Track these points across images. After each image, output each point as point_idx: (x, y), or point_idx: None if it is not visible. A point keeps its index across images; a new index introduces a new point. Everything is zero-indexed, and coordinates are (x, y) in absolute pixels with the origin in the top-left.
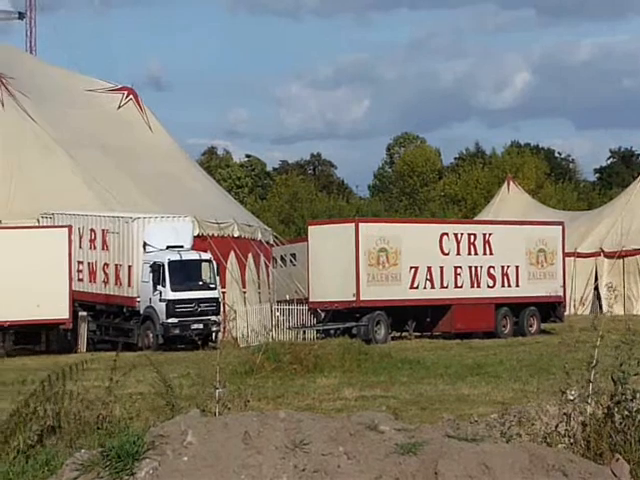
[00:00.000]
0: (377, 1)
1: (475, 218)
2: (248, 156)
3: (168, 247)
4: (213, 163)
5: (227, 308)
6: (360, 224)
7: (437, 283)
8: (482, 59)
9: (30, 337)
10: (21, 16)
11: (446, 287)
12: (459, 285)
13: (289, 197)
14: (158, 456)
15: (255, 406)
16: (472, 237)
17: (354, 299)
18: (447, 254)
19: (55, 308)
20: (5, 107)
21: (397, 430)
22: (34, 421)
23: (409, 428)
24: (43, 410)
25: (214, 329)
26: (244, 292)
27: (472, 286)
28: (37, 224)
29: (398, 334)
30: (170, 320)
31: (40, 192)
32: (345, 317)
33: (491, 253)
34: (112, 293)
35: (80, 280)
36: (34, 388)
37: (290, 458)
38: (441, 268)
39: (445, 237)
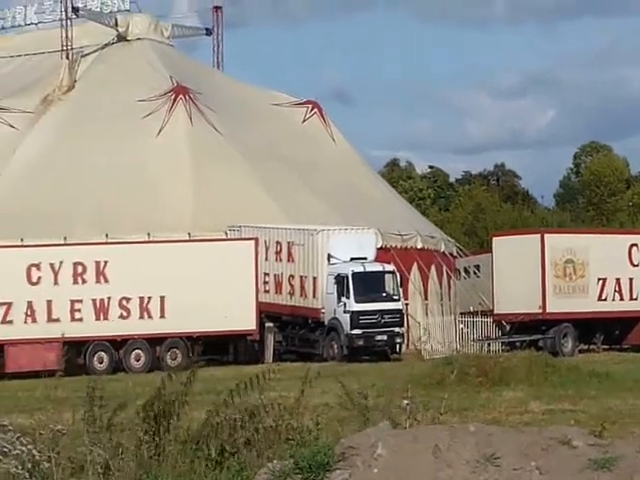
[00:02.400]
0: (562, 9)
1: None
2: (431, 167)
3: (352, 259)
4: (395, 175)
5: (410, 320)
6: (546, 235)
7: (626, 295)
8: None
9: (218, 348)
10: (208, 32)
11: (635, 299)
12: None
13: (472, 208)
14: (349, 467)
15: (442, 419)
16: None
17: (540, 311)
18: (636, 265)
19: (242, 319)
20: (193, 122)
21: (590, 445)
22: (225, 431)
23: (602, 443)
24: (233, 420)
25: (398, 341)
26: (427, 304)
27: None
28: (224, 237)
29: (585, 347)
30: (354, 331)
31: (227, 205)
32: (531, 329)
33: None
34: (297, 304)
35: (266, 292)
36: (224, 398)
37: (481, 472)
38: (630, 280)
39: (634, 248)
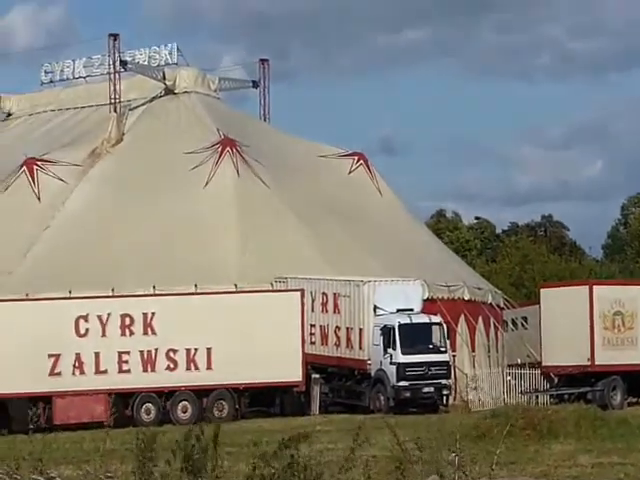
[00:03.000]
0: (610, 61)
1: None
2: (477, 218)
3: (398, 310)
4: (442, 225)
5: (457, 371)
6: (594, 287)
7: None
8: None
9: (264, 399)
10: (255, 85)
11: None
12: None
13: (519, 259)
14: None
15: (488, 472)
16: None
17: (589, 363)
18: None
19: (289, 370)
20: (240, 174)
21: None
22: None
23: None
24: (280, 473)
25: (445, 392)
26: (474, 355)
27: None
28: (271, 288)
29: (634, 399)
30: (401, 383)
31: (273, 256)
32: (579, 382)
33: None
34: (344, 356)
35: (312, 343)
36: (270, 450)
37: None
38: None
39: None
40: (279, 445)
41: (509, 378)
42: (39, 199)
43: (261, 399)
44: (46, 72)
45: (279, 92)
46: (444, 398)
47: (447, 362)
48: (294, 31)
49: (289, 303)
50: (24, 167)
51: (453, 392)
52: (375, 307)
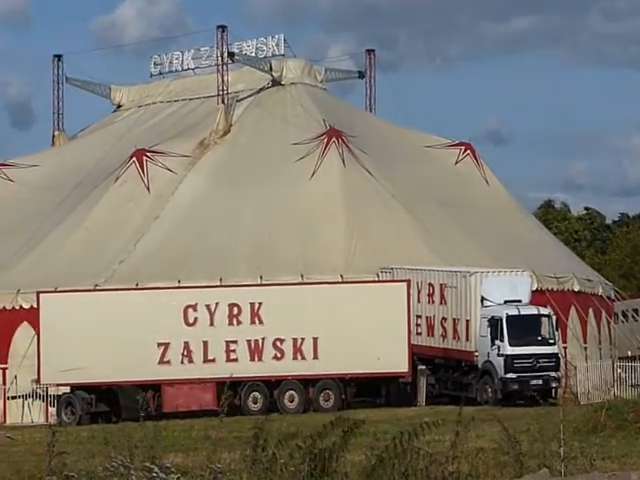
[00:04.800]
0: None
1: None
2: (587, 209)
3: (506, 301)
4: (550, 216)
5: (567, 364)
6: None
7: None
8: None
9: (370, 390)
10: (361, 75)
11: None
12: None
13: (630, 250)
14: None
15: (599, 465)
16: None
17: None
18: None
19: (395, 361)
20: (346, 165)
21: None
22: (385, 477)
23: None
24: (391, 465)
25: (553, 385)
26: (585, 348)
27: None
28: (377, 278)
29: None
30: (509, 375)
31: (380, 247)
32: None
33: None
34: (450, 347)
35: (418, 334)
36: (386, 444)
37: None
38: None
39: None
40: (395, 437)
41: (619, 371)
42: (148, 189)
43: (367, 389)
44: (155, 64)
45: (385, 82)
46: (552, 391)
47: (556, 354)
48: (401, 21)
49: (395, 294)
50: (134, 158)
51: (562, 385)
52: (482, 298)
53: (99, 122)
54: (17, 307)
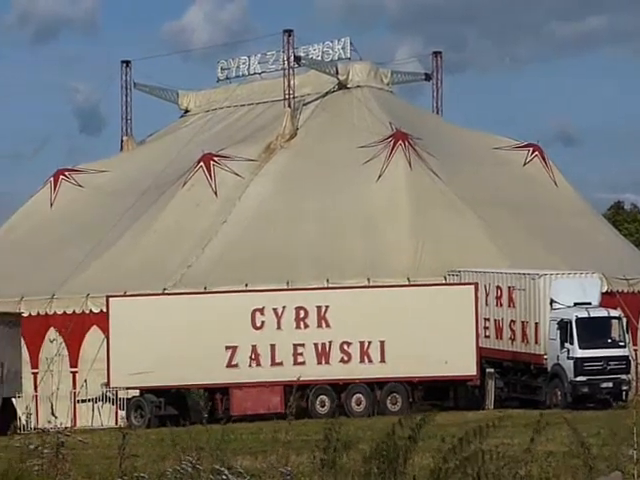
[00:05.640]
0: None
1: None
2: None
3: (575, 304)
4: (620, 217)
5: (638, 366)
6: None
7: None
8: None
9: (438, 393)
10: (428, 78)
11: None
12: None
13: None
14: None
15: None
16: None
17: None
18: None
19: (463, 364)
20: (413, 167)
21: None
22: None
23: None
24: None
25: (624, 388)
26: None
27: None
28: (444, 281)
29: None
30: (579, 378)
31: (447, 250)
32: None
33: None
34: (519, 350)
35: (486, 337)
36: (451, 445)
37: None
38: None
39: None
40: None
41: None
42: (216, 194)
43: (435, 393)
44: (222, 69)
45: (452, 84)
46: (623, 393)
47: (626, 357)
48: (469, 22)
49: (463, 297)
50: (201, 162)
51: (633, 387)
52: (551, 301)
53: (167, 127)
54: (87, 311)
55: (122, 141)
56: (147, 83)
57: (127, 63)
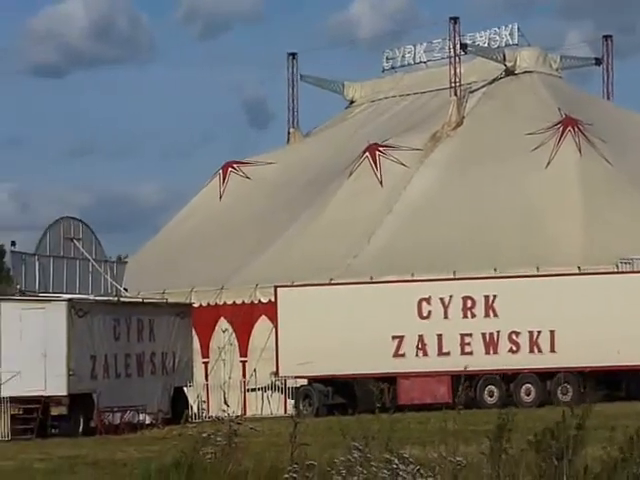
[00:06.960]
0: None
1: None
2: None
3: None
4: None
5: None
6: None
7: None
8: None
9: (610, 383)
10: (598, 62)
11: None
12: None
13: None
14: None
15: None
16: None
17: None
18: None
19: (636, 354)
20: (583, 153)
21: None
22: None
23: None
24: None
25: None
26: None
27: None
28: (616, 269)
29: None
30: None
31: (619, 237)
32: None
33: None
34: None
35: None
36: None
37: None
38: None
39: None
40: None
41: None
42: (381, 184)
43: (607, 383)
44: (387, 58)
45: (623, 69)
46: None
47: None
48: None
49: (635, 285)
50: (367, 153)
51: None
52: None
53: (332, 118)
54: (255, 301)
55: (289, 133)
56: (313, 75)
57: (293, 55)
